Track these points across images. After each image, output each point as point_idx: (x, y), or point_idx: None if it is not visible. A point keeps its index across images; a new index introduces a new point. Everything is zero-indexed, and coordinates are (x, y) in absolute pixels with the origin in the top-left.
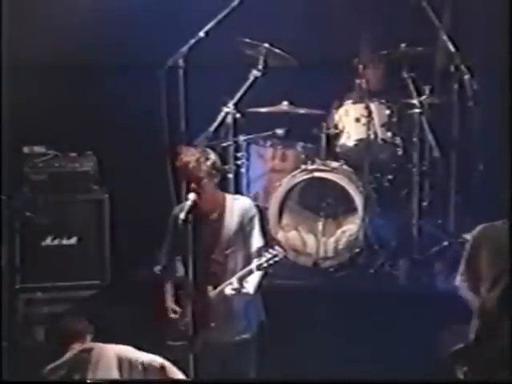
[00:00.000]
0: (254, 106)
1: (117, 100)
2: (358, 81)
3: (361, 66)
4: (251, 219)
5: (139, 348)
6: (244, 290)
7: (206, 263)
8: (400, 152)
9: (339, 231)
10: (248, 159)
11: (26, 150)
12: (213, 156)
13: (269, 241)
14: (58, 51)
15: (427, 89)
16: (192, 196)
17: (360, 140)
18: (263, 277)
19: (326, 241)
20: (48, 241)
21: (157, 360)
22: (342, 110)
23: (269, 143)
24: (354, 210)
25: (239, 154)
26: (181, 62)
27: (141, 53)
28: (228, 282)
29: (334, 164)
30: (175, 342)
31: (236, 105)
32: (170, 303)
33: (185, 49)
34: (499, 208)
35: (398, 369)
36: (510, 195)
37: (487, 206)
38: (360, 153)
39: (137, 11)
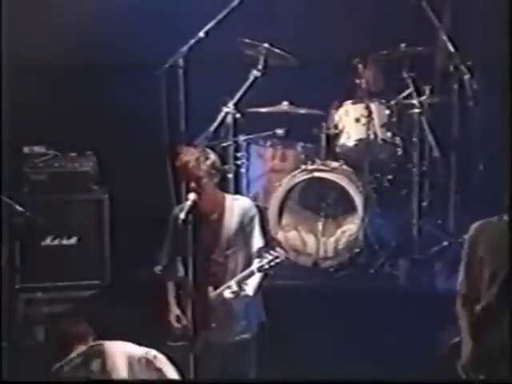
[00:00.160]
0: (254, 106)
1: (117, 100)
2: (357, 81)
3: (361, 66)
4: (251, 219)
5: None
6: (244, 293)
7: (206, 263)
8: (400, 152)
9: (339, 231)
10: (248, 159)
11: (26, 149)
12: (212, 156)
13: (269, 241)
14: (58, 51)
15: (427, 89)
16: (192, 196)
17: (360, 140)
18: (263, 279)
19: (326, 241)
20: (48, 241)
21: (151, 352)
22: (341, 110)
23: (269, 143)
24: (353, 209)
25: (239, 154)
26: (181, 61)
27: (141, 53)
28: (227, 284)
29: (334, 164)
30: (175, 342)
31: (236, 105)
32: (174, 308)
33: (185, 49)
34: (499, 208)
35: (397, 369)
36: (510, 195)
37: (487, 206)
38: (360, 153)
39: (137, 11)
